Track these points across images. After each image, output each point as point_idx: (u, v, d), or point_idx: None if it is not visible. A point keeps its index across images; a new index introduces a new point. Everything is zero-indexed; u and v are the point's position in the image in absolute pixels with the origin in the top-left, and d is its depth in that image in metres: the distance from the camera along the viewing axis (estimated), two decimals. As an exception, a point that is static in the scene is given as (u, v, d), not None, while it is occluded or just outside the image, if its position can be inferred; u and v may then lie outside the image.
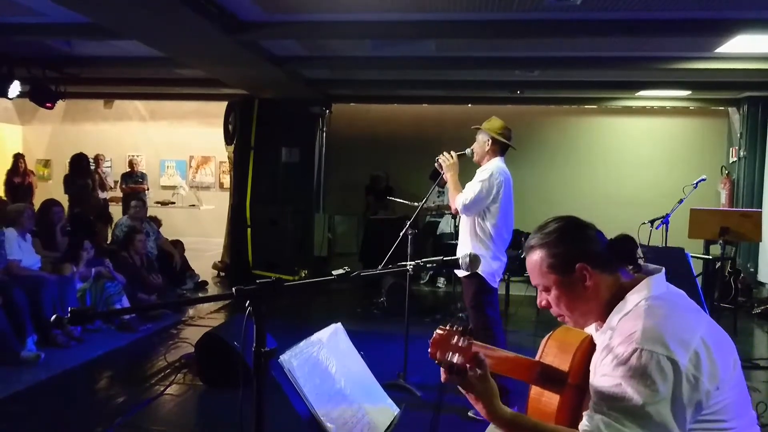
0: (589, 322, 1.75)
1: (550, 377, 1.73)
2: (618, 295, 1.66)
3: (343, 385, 2.19)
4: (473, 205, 3.84)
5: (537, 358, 1.81)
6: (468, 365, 1.55)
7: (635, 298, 1.63)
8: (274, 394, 1.66)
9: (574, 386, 1.68)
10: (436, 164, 4.10)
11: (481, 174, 3.89)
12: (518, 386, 1.70)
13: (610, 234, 1.77)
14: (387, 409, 2.36)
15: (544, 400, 1.73)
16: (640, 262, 1.71)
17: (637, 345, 1.49)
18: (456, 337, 1.57)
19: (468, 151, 4.05)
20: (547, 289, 1.73)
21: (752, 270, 8.37)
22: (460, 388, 1.60)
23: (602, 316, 1.69)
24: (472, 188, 3.84)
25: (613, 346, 1.55)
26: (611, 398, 1.50)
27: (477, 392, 1.58)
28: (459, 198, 3.87)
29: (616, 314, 1.64)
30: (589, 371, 1.67)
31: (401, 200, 6.50)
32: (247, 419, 1.64)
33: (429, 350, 1.60)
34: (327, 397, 2.08)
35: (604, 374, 1.54)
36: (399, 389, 4.13)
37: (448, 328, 1.60)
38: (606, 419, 1.48)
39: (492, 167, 3.89)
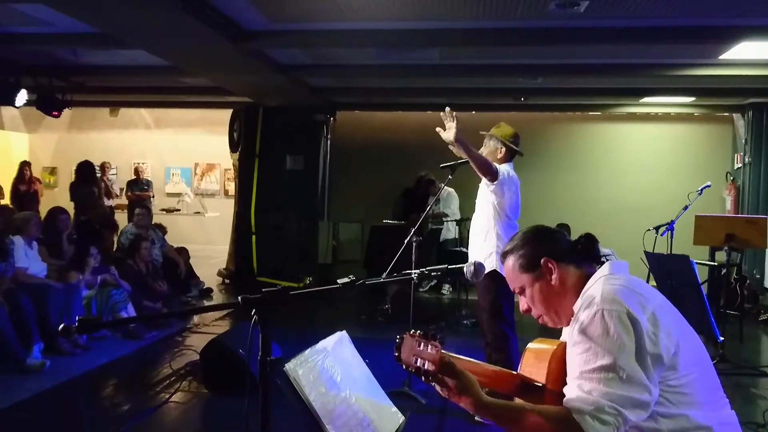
0: (565, 318, 1.80)
1: (529, 389, 1.77)
2: (585, 286, 1.74)
3: (348, 394, 2.19)
4: (499, 169, 3.76)
5: (518, 370, 1.84)
6: (438, 371, 1.60)
7: (595, 277, 1.72)
8: (279, 403, 1.67)
9: (553, 392, 1.71)
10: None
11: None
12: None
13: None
14: (392, 417, 2.35)
15: None
16: (604, 259, 1.80)
17: (597, 307, 1.57)
18: (422, 343, 1.61)
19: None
20: (523, 291, 1.83)
21: (758, 276, 8.33)
22: (441, 393, 1.65)
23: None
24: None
25: (578, 318, 1.62)
26: (585, 362, 1.55)
27: (458, 391, 1.61)
28: (490, 164, 3.73)
29: (580, 299, 1.70)
30: (566, 376, 1.70)
31: None
32: (252, 428, 1.65)
33: (394, 354, 1.66)
34: (332, 405, 2.08)
35: (573, 344, 1.60)
36: (404, 397, 4.13)
37: (411, 333, 1.66)
38: (584, 383, 1.54)
39: (505, 170, 3.89)
